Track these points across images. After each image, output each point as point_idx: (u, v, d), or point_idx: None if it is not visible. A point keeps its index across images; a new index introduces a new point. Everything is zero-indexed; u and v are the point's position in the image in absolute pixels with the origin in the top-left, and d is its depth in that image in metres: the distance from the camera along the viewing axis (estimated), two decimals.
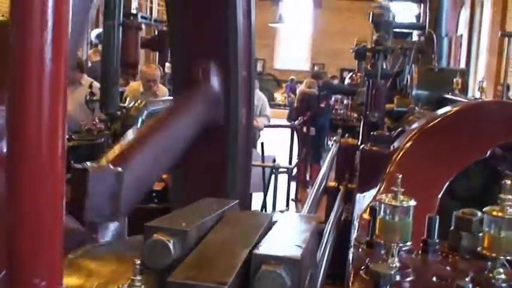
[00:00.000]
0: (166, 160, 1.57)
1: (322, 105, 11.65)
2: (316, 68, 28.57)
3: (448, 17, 9.52)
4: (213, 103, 1.81)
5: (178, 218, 1.10)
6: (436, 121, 2.93)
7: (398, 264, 1.11)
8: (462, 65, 20.81)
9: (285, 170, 6.87)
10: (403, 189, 1.22)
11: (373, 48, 3.74)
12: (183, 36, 1.83)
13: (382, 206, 1.18)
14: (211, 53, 1.81)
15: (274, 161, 6.36)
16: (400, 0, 9.09)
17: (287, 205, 8.07)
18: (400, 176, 1.22)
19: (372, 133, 3.09)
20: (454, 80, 4.49)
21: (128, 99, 5.53)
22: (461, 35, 21.51)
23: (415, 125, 3.23)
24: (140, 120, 4.46)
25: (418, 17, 10.53)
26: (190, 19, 1.79)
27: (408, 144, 2.82)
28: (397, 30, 12.51)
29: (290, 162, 8.43)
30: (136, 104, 4.70)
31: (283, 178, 7.98)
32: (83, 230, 1.29)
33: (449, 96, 4.59)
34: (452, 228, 1.34)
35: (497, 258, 1.06)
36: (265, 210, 6.10)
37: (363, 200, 2.93)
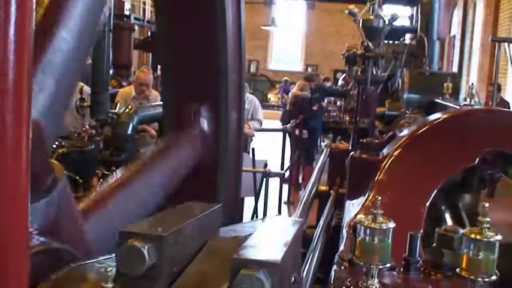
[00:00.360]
0: (145, 210, 1.52)
1: (315, 108, 11.66)
2: (309, 69, 28.61)
3: (441, 18, 9.55)
4: (202, 146, 1.82)
5: (156, 223, 1.06)
6: (425, 129, 2.95)
7: (377, 286, 1.11)
8: (455, 66, 20.91)
9: (277, 175, 6.85)
10: (382, 211, 1.21)
11: (363, 55, 3.74)
12: (174, 78, 1.85)
13: (362, 228, 1.18)
14: (202, 96, 1.82)
15: (266, 165, 6.35)
16: (392, 3, 9.10)
17: (279, 211, 8.08)
18: (380, 198, 1.22)
19: (361, 140, 3.09)
20: (445, 85, 4.50)
21: (118, 104, 5.52)
22: (454, 36, 21.59)
23: (404, 132, 3.24)
24: (131, 126, 4.46)
25: (411, 18, 10.56)
26: (182, 62, 1.80)
27: (396, 152, 2.82)
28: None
29: (282, 167, 8.43)
30: (127, 110, 4.68)
31: (275, 182, 8.00)
32: (68, 248, 1.28)
33: (440, 101, 4.60)
34: (434, 245, 1.34)
35: (475, 280, 1.07)
36: (256, 216, 6.09)
37: (352, 207, 2.93)
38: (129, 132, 4.44)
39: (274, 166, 8.70)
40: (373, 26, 3.75)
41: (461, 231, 1.29)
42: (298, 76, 28.17)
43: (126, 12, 17.55)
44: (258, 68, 29.28)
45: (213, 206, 1.30)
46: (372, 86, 3.74)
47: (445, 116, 3.01)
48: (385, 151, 3.20)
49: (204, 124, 1.77)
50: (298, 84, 11.71)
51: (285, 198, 8.60)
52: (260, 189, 6.01)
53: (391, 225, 1.20)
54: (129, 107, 4.89)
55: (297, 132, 9.92)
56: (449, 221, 2.84)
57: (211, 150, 1.85)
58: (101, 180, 4.14)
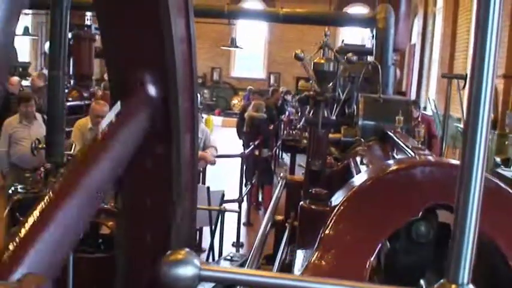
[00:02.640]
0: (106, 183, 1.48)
1: (271, 127, 11.72)
2: (272, 76, 28.76)
3: (400, 28, 9.72)
4: (152, 109, 1.75)
5: None
6: (370, 182, 3.02)
7: None
8: (415, 74, 21.19)
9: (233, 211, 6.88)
10: None
11: (314, 98, 3.81)
12: (117, 47, 1.80)
13: None
14: (147, 63, 1.77)
15: (223, 196, 6.38)
16: (350, 26, 9.24)
17: (237, 249, 8.14)
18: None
19: (310, 191, 3.16)
20: (397, 118, 4.59)
21: (74, 145, 5.49)
22: (415, 44, 21.90)
23: (353, 182, 3.31)
24: None
25: (374, 35, 10.74)
26: (123, 31, 1.75)
27: (342, 207, 2.90)
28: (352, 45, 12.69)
29: (241, 192, 8.45)
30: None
31: (233, 205, 8.06)
32: None
33: (392, 134, 4.69)
34: None
35: None
36: (213, 253, 6.13)
37: (302, 259, 3.00)
38: None
39: (232, 190, 8.81)
40: (324, 70, 3.81)
41: None
42: (261, 83, 28.32)
43: (87, 23, 17.43)
44: (221, 75, 29.31)
45: None
46: (323, 129, 3.80)
47: (390, 168, 3.09)
48: (333, 200, 3.28)
49: (152, 89, 1.72)
50: (254, 105, 11.63)
51: (242, 237, 8.65)
52: (216, 225, 6.05)
53: None
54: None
55: (256, 152, 9.94)
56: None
57: (162, 114, 1.78)
58: None
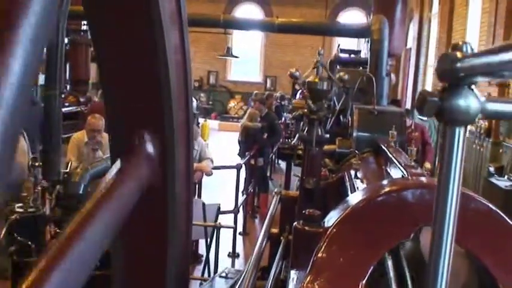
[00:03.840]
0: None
1: (265, 136, 11.76)
2: (268, 80, 28.80)
3: (396, 33, 9.77)
4: (151, 166, 1.79)
5: None
6: (362, 204, 3.07)
7: None
8: (411, 79, 21.24)
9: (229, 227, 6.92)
10: None
11: (308, 116, 3.86)
12: (118, 106, 1.84)
13: None
14: (146, 122, 1.81)
15: (218, 209, 6.44)
16: (345, 36, 9.28)
17: (233, 260, 8.20)
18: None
19: (303, 212, 3.21)
20: (390, 133, 4.64)
21: (70, 163, 5.52)
22: (410, 48, 21.95)
23: (346, 202, 3.37)
24: (82, 186, 4.49)
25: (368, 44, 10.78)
26: (122, 91, 1.79)
27: (335, 229, 2.95)
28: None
29: (236, 203, 8.51)
30: (78, 170, 4.72)
31: (229, 217, 8.12)
32: None
33: (385, 149, 4.74)
34: None
35: None
36: (208, 268, 6.18)
37: (295, 281, 3.06)
38: (80, 192, 4.48)
39: (228, 199, 8.94)
40: (317, 89, 3.87)
41: None
42: (257, 87, 28.37)
43: (84, 27, 17.47)
44: (218, 78, 29.35)
45: None
46: (317, 146, 3.86)
47: (383, 190, 3.14)
48: (326, 220, 3.34)
49: (151, 147, 1.76)
50: (249, 114, 11.66)
51: (238, 249, 8.72)
52: (211, 241, 6.10)
53: None
54: (80, 166, 4.93)
55: (252, 161, 9.99)
56: (391, 269, 2.98)
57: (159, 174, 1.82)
58: (53, 239, 4.19)
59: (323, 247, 2.92)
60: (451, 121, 1.12)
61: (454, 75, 1.11)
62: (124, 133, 1.76)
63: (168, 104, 1.75)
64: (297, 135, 4.75)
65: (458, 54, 1.09)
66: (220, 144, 16.50)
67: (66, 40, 16.84)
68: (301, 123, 4.71)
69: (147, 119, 1.75)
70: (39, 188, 4.86)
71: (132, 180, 1.63)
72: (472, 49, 1.10)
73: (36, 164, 5.27)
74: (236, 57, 23.88)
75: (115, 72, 1.71)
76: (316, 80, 3.93)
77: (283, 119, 14.62)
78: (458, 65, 1.09)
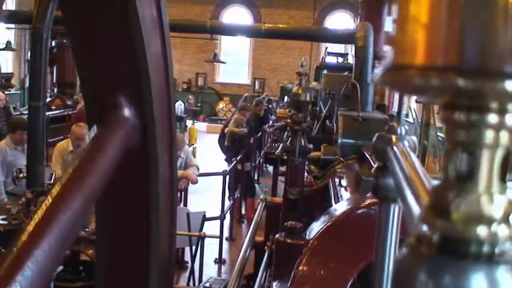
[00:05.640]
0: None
1: (251, 141, 11.81)
2: (257, 82, 28.80)
3: (381, 37, 9.81)
4: (129, 129, 1.74)
5: None
6: (342, 217, 3.11)
7: None
8: None
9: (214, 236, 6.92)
10: None
11: (291, 127, 3.91)
12: (91, 71, 1.80)
13: None
14: (121, 85, 1.77)
15: (204, 216, 6.46)
16: (332, 42, 9.35)
17: (219, 266, 8.23)
18: None
19: (285, 224, 3.25)
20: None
21: (54, 174, 5.51)
22: None
23: (327, 213, 3.41)
24: None
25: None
26: (96, 55, 1.76)
27: (316, 242, 2.99)
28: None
29: (223, 209, 8.53)
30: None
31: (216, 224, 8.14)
32: None
33: (368, 157, 4.77)
34: None
35: None
36: (193, 277, 6.19)
37: None
38: None
39: (215, 203, 8.96)
40: (301, 100, 3.91)
41: None
42: (246, 89, 28.39)
43: None
44: (206, 81, 29.34)
45: None
46: (300, 157, 3.90)
47: (363, 203, 3.18)
48: (308, 231, 3.38)
49: (127, 111, 1.72)
50: (235, 119, 11.73)
51: (224, 247, 8.76)
52: (196, 250, 6.12)
53: None
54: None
55: (239, 167, 10.03)
56: None
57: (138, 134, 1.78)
58: None
59: (304, 259, 2.96)
60: (386, 198, 1.17)
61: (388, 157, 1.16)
62: (99, 98, 1.73)
63: (144, 68, 1.70)
64: (281, 146, 4.78)
65: (393, 138, 1.15)
66: (208, 146, 16.50)
67: (53, 43, 16.82)
68: (285, 133, 4.75)
69: (122, 83, 1.71)
70: (24, 199, 4.86)
71: (111, 143, 1.61)
72: (406, 130, 1.15)
73: (21, 175, 5.27)
74: (223, 62, 23.95)
75: (88, 33, 1.68)
76: (300, 91, 3.97)
77: (270, 122, 14.65)
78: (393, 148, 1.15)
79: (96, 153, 1.52)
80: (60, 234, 1.26)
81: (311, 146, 4.05)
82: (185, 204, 8.47)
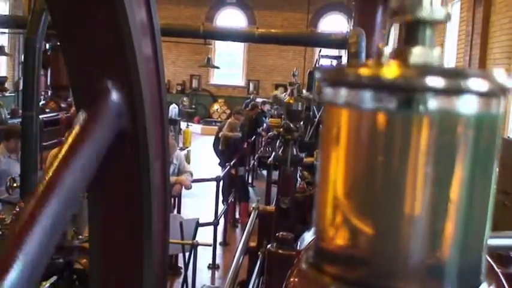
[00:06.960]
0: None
1: (245, 145, 11.83)
2: (251, 84, 28.82)
3: (377, 37, 9.85)
4: (117, 113, 1.74)
5: None
6: None
7: None
8: None
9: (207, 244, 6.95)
10: None
11: (283, 136, 3.94)
12: (78, 57, 1.79)
13: None
14: (109, 72, 1.76)
15: (197, 223, 6.46)
16: (324, 47, 9.37)
17: (213, 271, 8.24)
18: None
19: (276, 234, 3.27)
20: None
21: None
22: None
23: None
24: None
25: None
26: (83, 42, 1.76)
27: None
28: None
29: (216, 215, 8.56)
30: None
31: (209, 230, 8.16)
32: None
33: None
34: None
35: None
36: (186, 284, 6.19)
37: None
38: None
39: (209, 208, 8.99)
40: (293, 110, 3.94)
41: None
42: (240, 91, 28.42)
43: None
44: (200, 82, 29.33)
45: None
46: (292, 166, 3.93)
47: None
48: (300, 241, 3.40)
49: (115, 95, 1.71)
50: (229, 124, 11.74)
51: (218, 252, 8.79)
52: (190, 257, 6.13)
53: None
54: None
55: (233, 171, 10.05)
56: None
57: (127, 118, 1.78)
58: None
59: (295, 271, 2.99)
60: None
61: None
62: (86, 85, 1.72)
63: (131, 51, 1.70)
64: (273, 155, 4.81)
65: None
66: (203, 148, 16.50)
67: (47, 46, 16.80)
68: (277, 142, 4.79)
69: (109, 67, 1.71)
70: (18, 208, 4.85)
71: (100, 125, 1.61)
72: None
73: (15, 184, 5.29)
74: (217, 67, 23.95)
75: (75, 20, 1.69)
76: (291, 100, 4.00)
77: (264, 125, 14.66)
78: None
79: (84, 135, 1.53)
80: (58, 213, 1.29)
81: (303, 155, 4.08)
82: (179, 209, 8.49)
